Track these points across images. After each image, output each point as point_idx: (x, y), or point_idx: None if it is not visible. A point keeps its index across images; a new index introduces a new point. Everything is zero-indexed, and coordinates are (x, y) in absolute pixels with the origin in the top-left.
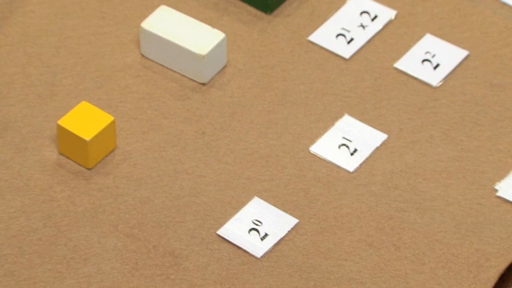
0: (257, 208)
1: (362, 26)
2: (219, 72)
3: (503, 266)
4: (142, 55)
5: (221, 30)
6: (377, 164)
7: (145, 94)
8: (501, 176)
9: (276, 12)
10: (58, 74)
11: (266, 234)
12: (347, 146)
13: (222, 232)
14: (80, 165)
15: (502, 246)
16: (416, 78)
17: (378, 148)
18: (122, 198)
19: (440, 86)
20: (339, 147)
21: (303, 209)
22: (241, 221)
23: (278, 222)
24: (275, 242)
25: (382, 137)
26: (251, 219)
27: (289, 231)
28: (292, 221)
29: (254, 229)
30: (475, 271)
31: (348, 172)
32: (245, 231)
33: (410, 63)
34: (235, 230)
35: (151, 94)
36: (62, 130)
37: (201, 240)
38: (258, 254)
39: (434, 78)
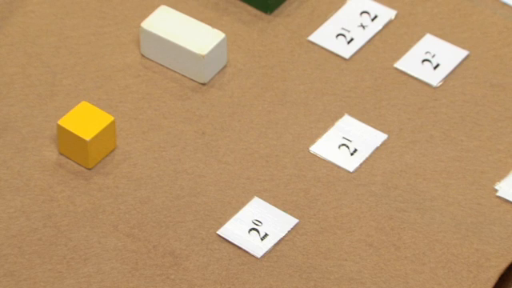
0: (257, 208)
1: (362, 26)
2: (219, 72)
3: (503, 266)
4: (142, 55)
5: (221, 30)
6: (377, 164)
7: (145, 93)
8: (501, 176)
9: (276, 12)
10: (58, 74)
11: (266, 234)
12: (347, 146)
13: (222, 232)
14: (80, 165)
15: (502, 246)
16: (416, 78)
17: (377, 148)
18: (122, 198)
19: (440, 86)
20: (339, 147)
21: (303, 209)
22: (241, 221)
23: (278, 222)
24: (275, 242)
25: (382, 137)
26: (251, 219)
27: (289, 231)
28: (292, 221)
29: (254, 229)
30: (475, 271)
31: (348, 172)
32: (245, 231)
33: (409, 63)
34: (235, 230)
35: (151, 94)
36: (62, 130)
37: (201, 240)
38: (258, 253)
39: (434, 78)
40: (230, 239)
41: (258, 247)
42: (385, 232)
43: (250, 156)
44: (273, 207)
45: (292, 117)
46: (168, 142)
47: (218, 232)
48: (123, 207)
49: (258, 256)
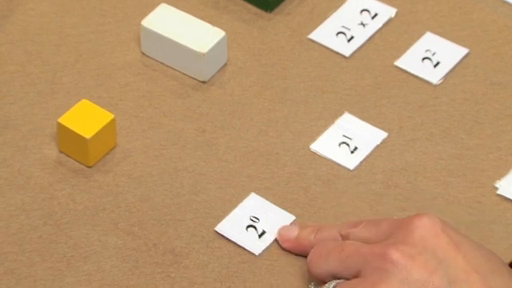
0: (254, 204)
1: (362, 24)
2: (219, 70)
3: None
4: (143, 53)
5: (221, 28)
6: (377, 162)
7: (145, 91)
8: (501, 174)
9: (276, 10)
10: (58, 72)
11: (264, 232)
12: (347, 144)
13: (219, 228)
14: (80, 163)
15: (502, 245)
16: (416, 76)
17: (378, 146)
18: (122, 195)
19: (440, 83)
20: (339, 145)
21: (303, 207)
22: (238, 217)
23: (275, 219)
24: (273, 239)
25: (382, 135)
26: (249, 216)
27: None
28: (289, 217)
29: (251, 225)
30: None
31: (348, 170)
32: (242, 228)
33: (410, 61)
34: (233, 226)
35: (151, 92)
36: (62, 128)
37: (201, 238)
38: (256, 251)
39: (434, 76)
40: (227, 236)
41: (255, 244)
42: None
43: (250, 154)
44: (270, 204)
45: (292, 115)
46: (168, 140)
47: (216, 228)
48: (123, 205)
49: (257, 253)
